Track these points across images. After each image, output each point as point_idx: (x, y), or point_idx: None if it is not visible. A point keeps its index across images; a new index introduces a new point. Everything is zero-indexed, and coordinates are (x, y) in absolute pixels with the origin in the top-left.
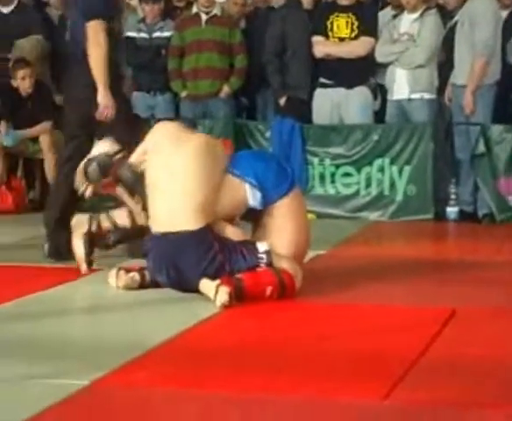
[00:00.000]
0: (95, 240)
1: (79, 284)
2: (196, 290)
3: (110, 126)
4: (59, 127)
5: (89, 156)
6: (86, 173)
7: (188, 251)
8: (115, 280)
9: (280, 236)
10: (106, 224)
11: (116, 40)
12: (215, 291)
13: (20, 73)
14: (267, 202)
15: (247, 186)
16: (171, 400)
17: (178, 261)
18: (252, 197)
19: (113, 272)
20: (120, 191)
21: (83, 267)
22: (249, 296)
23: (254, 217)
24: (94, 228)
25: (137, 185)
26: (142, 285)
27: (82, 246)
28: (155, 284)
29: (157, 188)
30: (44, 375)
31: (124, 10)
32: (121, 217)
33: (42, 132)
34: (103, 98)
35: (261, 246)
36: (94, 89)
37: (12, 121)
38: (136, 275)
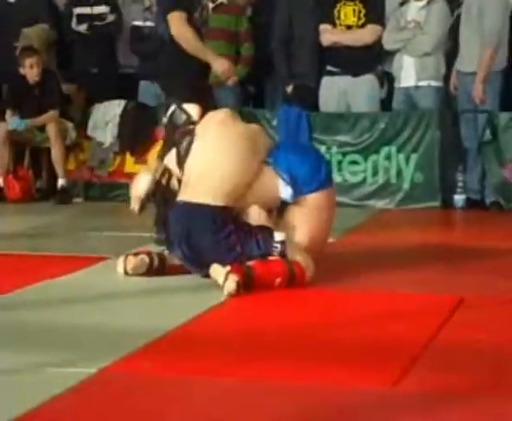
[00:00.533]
0: (157, 191)
1: (87, 273)
2: (206, 265)
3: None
4: (65, 116)
5: (185, 107)
6: (172, 115)
7: (203, 223)
8: (123, 265)
9: (300, 229)
10: (174, 185)
11: (195, 28)
12: (224, 278)
13: (28, 61)
14: (298, 194)
15: (280, 180)
16: (177, 388)
17: (192, 231)
18: (284, 192)
19: (121, 259)
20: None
21: (136, 205)
22: (258, 285)
23: (281, 208)
24: (164, 181)
25: (184, 161)
26: (150, 268)
27: (147, 186)
28: (163, 268)
29: (193, 170)
30: (51, 364)
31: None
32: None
33: (49, 120)
34: (216, 65)
35: (277, 236)
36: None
37: (19, 109)
38: (145, 258)
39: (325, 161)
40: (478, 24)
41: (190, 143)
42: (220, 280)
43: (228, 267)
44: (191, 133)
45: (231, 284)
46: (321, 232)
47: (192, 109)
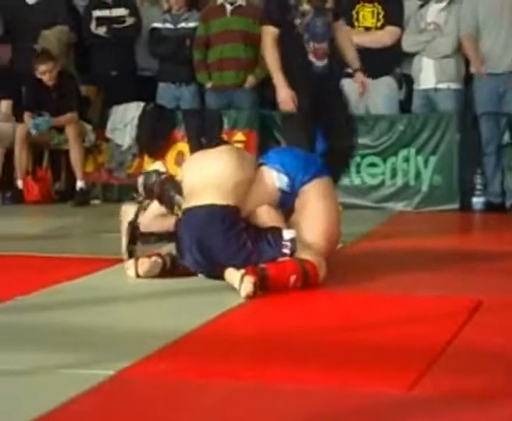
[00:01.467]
0: (137, 232)
1: (105, 274)
2: (220, 268)
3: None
4: (84, 118)
5: (149, 170)
6: (145, 185)
7: (212, 223)
8: (134, 269)
9: (311, 217)
10: None
11: (293, 38)
12: (240, 281)
13: (42, 67)
14: (296, 184)
15: (274, 171)
16: (195, 390)
17: (203, 233)
18: (279, 181)
19: (131, 262)
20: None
21: (125, 256)
22: (273, 286)
23: (287, 209)
24: (139, 220)
25: (178, 201)
26: (163, 270)
27: (125, 235)
28: (175, 271)
29: (192, 192)
30: (69, 365)
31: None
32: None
33: (68, 122)
34: (279, 94)
35: (287, 234)
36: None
37: (38, 112)
38: (158, 259)
39: (319, 158)
40: None
41: (179, 182)
42: (236, 283)
43: (243, 270)
44: (171, 178)
45: (248, 285)
46: (331, 216)
47: (156, 165)
